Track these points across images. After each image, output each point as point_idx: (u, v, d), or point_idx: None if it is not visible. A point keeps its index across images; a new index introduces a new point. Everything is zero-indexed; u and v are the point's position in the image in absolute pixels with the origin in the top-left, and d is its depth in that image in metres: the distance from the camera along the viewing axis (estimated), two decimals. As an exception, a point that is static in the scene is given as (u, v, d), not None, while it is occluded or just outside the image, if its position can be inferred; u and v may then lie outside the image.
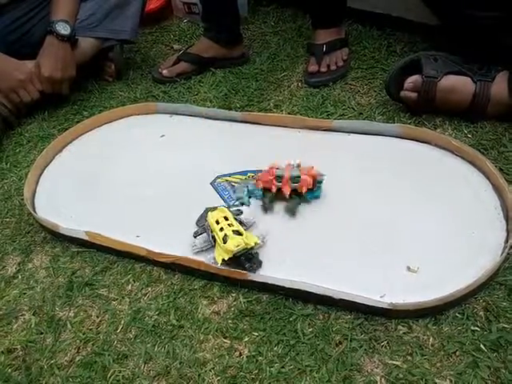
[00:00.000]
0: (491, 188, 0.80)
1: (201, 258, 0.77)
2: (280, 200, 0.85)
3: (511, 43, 0.87)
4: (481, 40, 0.91)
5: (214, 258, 0.76)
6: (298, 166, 0.83)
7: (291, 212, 0.83)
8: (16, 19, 1.24)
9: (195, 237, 0.81)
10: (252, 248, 0.75)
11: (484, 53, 0.92)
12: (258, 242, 0.76)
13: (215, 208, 0.82)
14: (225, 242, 0.74)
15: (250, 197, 0.87)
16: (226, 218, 0.78)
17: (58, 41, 1.13)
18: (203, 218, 0.83)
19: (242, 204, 0.86)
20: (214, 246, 0.78)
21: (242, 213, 0.84)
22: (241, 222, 0.80)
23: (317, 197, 0.84)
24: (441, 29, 1.06)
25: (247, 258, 0.75)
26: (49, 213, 0.91)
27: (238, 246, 0.73)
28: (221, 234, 0.75)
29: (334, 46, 1.15)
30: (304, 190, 0.81)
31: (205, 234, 0.80)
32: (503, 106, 0.90)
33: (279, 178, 0.82)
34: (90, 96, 1.27)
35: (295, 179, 0.81)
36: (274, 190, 0.83)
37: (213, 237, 0.78)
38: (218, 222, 0.77)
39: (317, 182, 0.83)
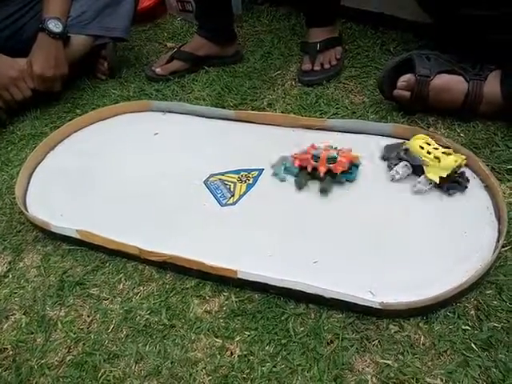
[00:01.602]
0: (483, 187, 0.80)
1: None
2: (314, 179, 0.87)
3: (503, 42, 0.87)
4: (473, 39, 0.92)
5: (426, 179, 0.79)
6: (336, 148, 0.87)
7: (325, 191, 0.85)
8: (8, 16, 1.23)
9: (390, 167, 0.83)
10: (461, 166, 0.79)
11: (477, 52, 0.92)
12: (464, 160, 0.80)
13: (403, 142, 0.85)
14: (439, 162, 0.77)
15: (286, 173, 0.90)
16: (428, 144, 0.81)
17: (50, 38, 1.12)
18: (392, 149, 0.86)
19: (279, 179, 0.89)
20: (415, 174, 0.82)
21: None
22: (446, 147, 0.81)
23: (351, 179, 0.86)
24: (434, 28, 1.07)
25: (459, 176, 0.79)
26: (40, 211, 0.90)
27: (456, 161, 0.77)
28: (431, 156, 0.78)
29: (327, 44, 1.15)
30: (338, 170, 0.84)
31: (403, 163, 0.82)
32: (495, 105, 0.91)
33: (316, 157, 0.85)
34: (83, 94, 1.26)
35: (331, 160, 0.84)
36: (309, 168, 0.86)
37: (414, 164, 0.81)
38: (422, 148, 0.80)
39: (353, 165, 0.86)
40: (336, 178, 0.85)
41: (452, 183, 0.79)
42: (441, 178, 0.78)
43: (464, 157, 0.80)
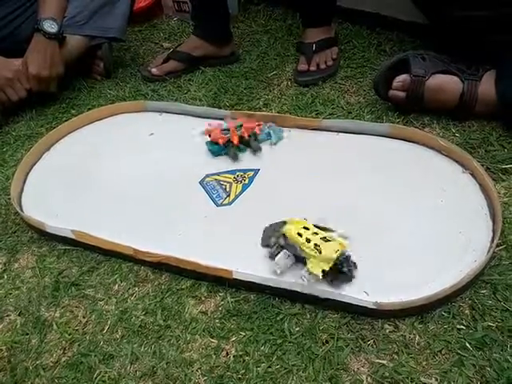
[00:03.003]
0: (478, 187, 0.81)
1: (290, 278, 0.71)
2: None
3: (498, 42, 0.87)
4: (468, 39, 0.92)
5: (308, 272, 0.69)
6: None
7: (257, 150, 0.96)
8: (3, 16, 1.22)
9: (272, 258, 0.74)
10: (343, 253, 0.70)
11: (472, 52, 0.92)
12: (346, 242, 0.70)
13: (284, 223, 0.74)
14: (320, 253, 0.68)
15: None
16: (306, 228, 0.72)
17: (45, 39, 1.12)
18: (270, 237, 0.76)
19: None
20: (299, 262, 0.72)
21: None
22: (323, 228, 0.73)
23: (277, 138, 0.97)
24: (429, 28, 1.07)
25: (344, 262, 0.69)
26: (36, 212, 0.90)
27: (337, 250, 0.68)
28: (311, 245, 0.69)
29: (323, 44, 1.16)
30: (246, 135, 0.95)
31: (284, 252, 0.73)
32: (490, 105, 0.91)
33: (226, 130, 0.96)
34: (79, 94, 1.26)
35: (239, 128, 0.95)
36: (221, 142, 0.95)
37: (295, 253, 0.72)
38: (300, 235, 0.71)
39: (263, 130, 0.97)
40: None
41: (337, 274, 0.69)
42: (323, 271, 0.68)
43: (344, 242, 0.70)
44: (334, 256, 0.67)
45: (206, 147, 0.99)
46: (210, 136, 0.96)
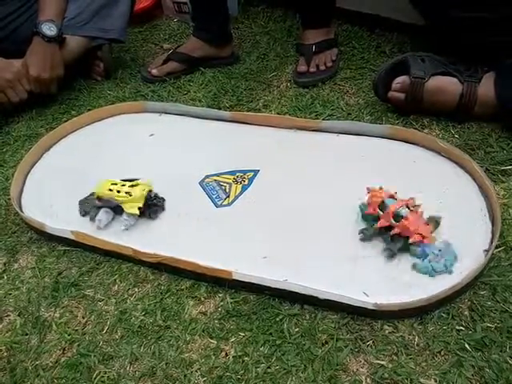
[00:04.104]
0: (477, 189, 0.81)
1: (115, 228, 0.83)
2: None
3: (497, 44, 0.87)
4: (467, 41, 0.92)
5: (128, 215, 0.83)
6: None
7: (391, 255, 0.73)
8: (4, 17, 1.22)
9: (93, 218, 0.86)
10: (151, 190, 0.86)
11: (471, 53, 0.93)
12: (152, 186, 0.87)
13: (93, 193, 0.88)
14: (131, 196, 0.83)
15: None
16: (115, 183, 0.86)
17: (45, 42, 1.12)
18: (86, 203, 0.89)
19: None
20: (117, 214, 0.86)
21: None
22: (129, 180, 0.88)
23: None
24: (429, 29, 1.07)
25: (154, 198, 0.86)
26: (35, 212, 0.90)
27: (144, 189, 0.84)
28: (121, 193, 0.83)
29: (323, 46, 1.16)
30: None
31: (103, 209, 0.85)
32: (490, 106, 0.91)
33: (398, 217, 0.72)
34: (79, 95, 1.26)
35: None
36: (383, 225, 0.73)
37: (111, 207, 0.85)
38: (111, 190, 0.84)
39: None
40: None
41: (151, 207, 0.85)
42: (139, 208, 0.83)
43: (149, 184, 0.86)
44: (144, 193, 0.84)
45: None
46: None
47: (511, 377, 0.60)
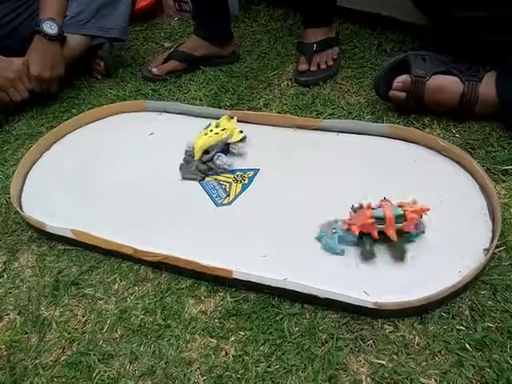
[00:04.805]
0: (478, 188, 0.81)
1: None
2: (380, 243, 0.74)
3: (498, 43, 0.87)
4: (469, 40, 0.92)
5: (235, 144, 0.94)
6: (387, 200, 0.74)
7: (401, 258, 0.72)
8: (4, 15, 1.22)
9: (218, 166, 0.92)
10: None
11: (472, 53, 0.92)
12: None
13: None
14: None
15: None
16: (205, 134, 0.92)
17: (46, 40, 1.12)
18: (188, 164, 0.93)
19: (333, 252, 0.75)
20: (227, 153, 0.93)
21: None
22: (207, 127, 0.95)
23: (419, 234, 0.74)
24: (430, 28, 1.07)
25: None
26: (36, 211, 0.90)
27: (229, 120, 0.95)
28: (222, 132, 0.92)
29: (324, 45, 1.15)
30: (412, 229, 0.71)
31: (217, 155, 0.92)
32: (491, 105, 0.91)
33: (379, 219, 0.70)
34: (79, 94, 1.26)
35: (399, 218, 0.70)
36: (375, 234, 0.71)
37: (220, 150, 0.92)
38: (209, 134, 0.91)
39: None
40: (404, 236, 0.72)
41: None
42: (241, 131, 0.94)
43: (226, 117, 0.95)
44: (234, 121, 0.96)
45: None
46: (351, 225, 0.73)
47: (512, 377, 0.60)
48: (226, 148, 0.93)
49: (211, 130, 0.91)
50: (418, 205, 0.72)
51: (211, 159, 0.92)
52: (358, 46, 1.22)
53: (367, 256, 0.73)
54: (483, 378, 0.60)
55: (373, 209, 0.72)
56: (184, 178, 0.92)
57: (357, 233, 0.72)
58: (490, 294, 0.68)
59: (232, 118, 0.96)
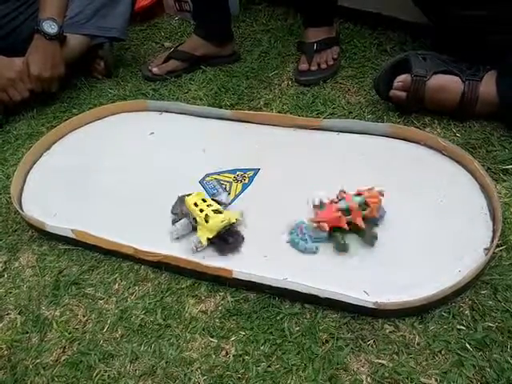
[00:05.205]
0: (478, 187, 0.81)
1: (183, 247, 0.79)
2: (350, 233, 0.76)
3: (499, 42, 0.87)
4: (469, 39, 0.92)
5: (199, 240, 0.77)
6: (345, 192, 0.76)
7: (374, 240, 0.75)
8: (4, 15, 1.22)
9: (174, 223, 0.82)
10: (233, 224, 0.78)
11: (473, 52, 0.92)
12: (239, 217, 0.79)
13: (190, 194, 0.83)
14: (207, 222, 0.76)
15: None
16: (204, 200, 0.80)
17: (46, 40, 1.12)
18: (178, 205, 0.84)
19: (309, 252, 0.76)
20: (194, 230, 0.80)
21: (219, 193, 0.87)
22: (218, 202, 0.82)
23: (383, 216, 0.77)
24: (430, 28, 1.07)
25: (230, 234, 0.78)
26: (36, 211, 0.90)
27: (223, 221, 0.76)
28: (202, 215, 0.77)
29: (324, 44, 1.15)
30: (376, 214, 0.74)
31: (184, 219, 0.81)
32: (491, 105, 0.91)
33: (346, 210, 0.73)
34: (80, 93, 1.26)
35: (362, 206, 0.73)
36: (346, 226, 0.74)
37: (194, 219, 0.79)
38: (196, 205, 0.79)
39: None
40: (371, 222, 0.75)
41: (223, 244, 0.77)
42: (208, 239, 0.77)
43: (236, 215, 0.79)
44: (219, 225, 0.76)
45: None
46: (321, 222, 0.74)
47: (512, 376, 0.60)
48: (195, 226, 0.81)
49: (209, 205, 0.79)
50: (375, 190, 0.75)
51: (180, 218, 0.82)
52: (359, 45, 1.22)
53: (342, 248, 0.74)
54: (483, 378, 0.60)
55: (336, 202, 0.75)
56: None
57: (327, 228, 0.74)
58: (491, 293, 0.68)
59: (230, 224, 0.78)
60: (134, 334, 0.71)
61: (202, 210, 0.78)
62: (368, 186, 0.76)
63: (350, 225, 0.74)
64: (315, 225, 0.75)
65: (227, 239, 0.77)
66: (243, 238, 0.78)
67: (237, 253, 0.77)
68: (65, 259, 0.84)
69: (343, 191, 0.77)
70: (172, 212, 0.84)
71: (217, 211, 0.78)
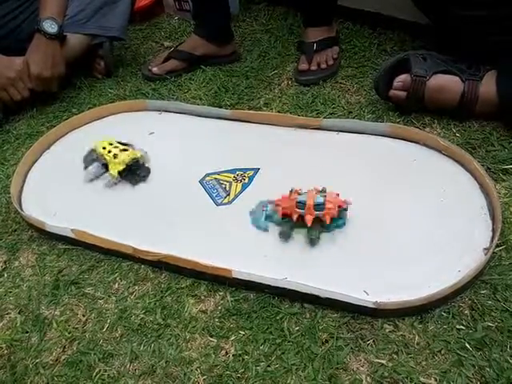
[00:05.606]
0: (478, 187, 0.81)
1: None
2: (300, 227, 0.78)
3: (499, 42, 0.87)
4: (469, 39, 0.92)
5: (110, 175, 0.91)
6: (324, 191, 0.78)
7: (313, 242, 0.76)
8: (4, 15, 1.22)
9: (86, 168, 0.95)
10: (138, 158, 0.93)
11: (472, 52, 0.92)
12: (142, 154, 0.94)
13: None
14: (116, 158, 0.91)
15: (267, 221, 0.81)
16: (111, 144, 0.93)
17: (46, 39, 1.12)
18: (89, 154, 0.97)
19: (259, 228, 0.80)
20: (106, 172, 0.93)
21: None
22: (125, 144, 0.95)
23: (340, 226, 0.78)
24: (430, 28, 1.07)
25: (137, 167, 0.93)
26: (36, 210, 0.90)
27: (129, 155, 0.91)
28: (111, 154, 0.91)
29: (324, 44, 1.15)
30: (328, 220, 0.75)
31: (96, 163, 0.94)
32: (491, 105, 0.91)
33: (301, 204, 0.75)
34: (79, 93, 1.26)
35: (319, 207, 0.75)
36: (295, 218, 0.76)
37: (103, 164, 0.94)
38: (104, 148, 0.92)
39: (341, 210, 0.77)
40: (326, 227, 0.77)
41: (133, 175, 0.93)
42: (119, 172, 0.91)
43: (139, 152, 0.94)
44: (127, 159, 0.91)
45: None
46: (278, 206, 0.78)
47: (512, 376, 0.60)
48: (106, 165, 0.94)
49: (115, 147, 0.93)
50: (339, 199, 0.76)
51: (92, 161, 0.96)
52: (359, 45, 1.22)
53: (284, 236, 0.78)
54: (483, 378, 0.60)
55: (300, 194, 0.77)
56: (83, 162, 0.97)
57: (280, 214, 0.78)
58: (490, 293, 0.68)
59: (136, 158, 0.93)
60: (134, 334, 0.71)
61: (109, 152, 0.92)
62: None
63: (300, 218, 0.76)
64: (273, 206, 0.79)
65: (135, 171, 0.93)
66: (149, 171, 0.95)
67: (144, 183, 0.93)
68: (64, 259, 0.84)
69: (317, 188, 0.79)
70: (84, 161, 0.97)
71: (123, 150, 0.92)
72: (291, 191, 0.78)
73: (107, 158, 0.91)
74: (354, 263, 0.73)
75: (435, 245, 0.74)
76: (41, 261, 0.84)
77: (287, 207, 0.77)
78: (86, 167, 0.96)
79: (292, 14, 1.40)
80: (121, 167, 0.91)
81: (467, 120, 0.95)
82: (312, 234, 0.76)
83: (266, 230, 0.80)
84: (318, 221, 0.76)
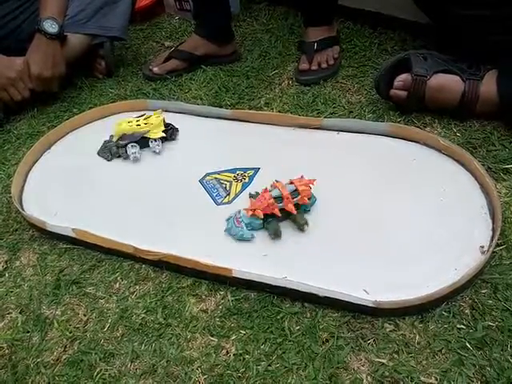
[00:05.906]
0: (478, 187, 0.81)
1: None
2: (284, 220, 0.80)
3: (499, 42, 0.87)
4: (470, 39, 0.92)
5: (155, 140, 0.97)
6: (280, 182, 0.80)
7: (302, 227, 0.78)
8: (4, 15, 1.22)
9: (125, 155, 0.97)
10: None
11: (473, 51, 0.92)
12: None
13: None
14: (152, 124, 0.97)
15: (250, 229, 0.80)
16: (130, 122, 0.98)
17: (47, 39, 1.12)
18: (107, 143, 1.00)
19: (246, 239, 0.79)
20: (143, 146, 0.98)
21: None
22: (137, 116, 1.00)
23: (313, 203, 0.82)
24: (431, 27, 1.07)
25: (168, 124, 1.01)
26: (37, 210, 0.90)
27: (159, 116, 0.99)
28: (142, 125, 0.96)
29: (325, 44, 1.16)
30: (307, 200, 0.78)
31: (129, 145, 0.97)
32: (492, 104, 0.91)
33: (279, 198, 0.77)
34: (80, 93, 1.26)
35: (294, 193, 0.77)
36: (277, 212, 0.77)
37: (137, 141, 0.97)
38: (130, 125, 0.97)
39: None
40: (302, 208, 0.79)
41: (169, 131, 1.00)
42: (164, 131, 0.98)
43: (157, 113, 1.01)
44: (161, 119, 0.99)
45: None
46: (254, 210, 0.78)
47: (512, 375, 0.60)
48: (144, 141, 0.98)
49: (137, 120, 0.98)
50: (305, 179, 0.79)
51: (124, 146, 0.97)
52: (359, 45, 1.22)
53: (275, 234, 0.78)
54: (484, 377, 0.60)
55: (269, 191, 0.78)
56: (98, 154, 1.01)
57: (262, 215, 0.77)
58: (491, 292, 0.68)
59: (162, 111, 1.02)
60: (135, 333, 0.71)
61: (138, 125, 0.96)
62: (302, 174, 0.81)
63: (282, 211, 0.78)
64: (250, 213, 0.78)
65: (171, 126, 1.00)
66: (177, 129, 1.02)
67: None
68: (65, 258, 0.84)
69: (276, 181, 0.81)
70: (102, 154, 0.99)
71: (147, 118, 0.98)
72: (253, 195, 0.83)
73: (143, 129, 0.95)
74: (354, 262, 0.73)
75: (435, 244, 0.74)
76: (42, 260, 0.84)
77: (266, 207, 0.77)
78: (123, 156, 0.97)
79: (292, 13, 1.40)
80: (161, 128, 0.96)
81: (468, 120, 0.95)
82: (300, 220, 0.78)
83: (252, 237, 0.79)
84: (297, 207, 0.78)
